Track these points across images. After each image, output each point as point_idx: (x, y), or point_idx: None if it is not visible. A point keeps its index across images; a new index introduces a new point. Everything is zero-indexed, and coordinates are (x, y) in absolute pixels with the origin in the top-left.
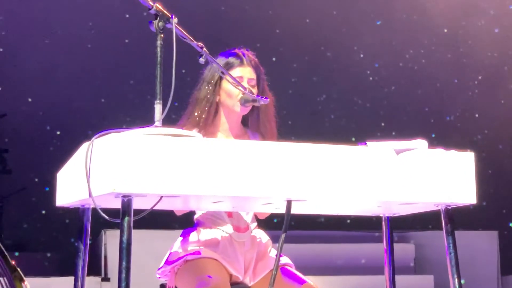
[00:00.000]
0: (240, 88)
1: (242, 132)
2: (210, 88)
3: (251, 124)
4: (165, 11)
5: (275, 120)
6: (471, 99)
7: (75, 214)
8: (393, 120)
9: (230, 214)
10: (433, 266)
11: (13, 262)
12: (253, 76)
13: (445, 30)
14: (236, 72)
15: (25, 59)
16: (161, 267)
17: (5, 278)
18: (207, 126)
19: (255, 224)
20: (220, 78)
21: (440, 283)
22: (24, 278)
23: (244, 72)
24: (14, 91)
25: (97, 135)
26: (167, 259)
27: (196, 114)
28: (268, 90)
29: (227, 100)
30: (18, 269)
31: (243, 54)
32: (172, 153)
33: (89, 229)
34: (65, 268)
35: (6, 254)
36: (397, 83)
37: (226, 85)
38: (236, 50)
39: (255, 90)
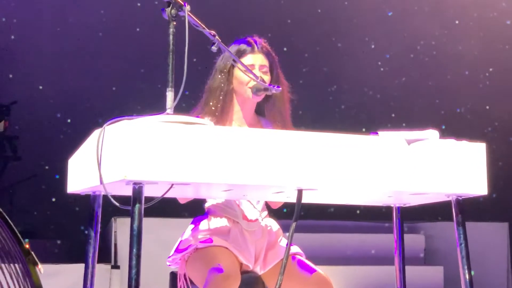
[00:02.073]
0: (251, 75)
1: (256, 120)
2: (223, 76)
3: (267, 112)
4: None
5: (290, 107)
6: (482, 91)
7: (85, 201)
8: (404, 111)
9: (239, 204)
10: (443, 257)
11: (27, 246)
12: (265, 63)
13: (457, 22)
14: (248, 59)
15: (36, 47)
16: (171, 255)
17: (20, 264)
18: (222, 115)
19: (266, 213)
20: (232, 66)
21: (450, 274)
22: (38, 262)
23: (256, 59)
24: (24, 78)
25: (108, 122)
26: (177, 247)
27: (210, 103)
28: (283, 77)
29: (239, 88)
30: (32, 252)
31: (255, 41)
32: (184, 140)
33: (99, 216)
34: (75, 255)
35: (21, 238)
36: (408, 74)
37: (237, 72)
38: (248, 38)
39: (267, 77)
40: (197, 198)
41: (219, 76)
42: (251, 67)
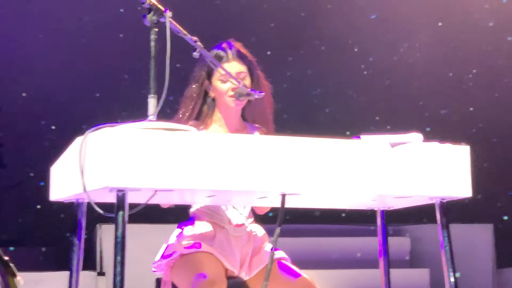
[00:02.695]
0: (233, 81)
1: (242, 127)
2: (198, 86)
3: (248, 115)
4: (159, 5)
5: (272, 107)
6: (466, 93)
7: (70, 209)
8: (388, 114)
9: (225, 209)
10: (429, 260)
11: (6, 258)
12: (242, 69)
13: (440, 24)
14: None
15: (20, 54)
16: (156, 261)
17: None
18: (200, 124)
19: (252, 219)
20: (210, 76)
21: (436, 277)
22: (17, 274)
23: (231, 68)
24: (8, 85)
25: (91, 129)
26: (163, 253)
27: (187, 113)
28: (264, 78)
29: (219, 97)
30: (11, 264)
31: (230, 47)
32: (167, 147)
33: (84, 223)
34: (60, 262)
35: None
36: (391, 77)
37: (215, 83)
38: (223, 45)
39: (247, 82)
40: (181, 204)
41: (194, 86)
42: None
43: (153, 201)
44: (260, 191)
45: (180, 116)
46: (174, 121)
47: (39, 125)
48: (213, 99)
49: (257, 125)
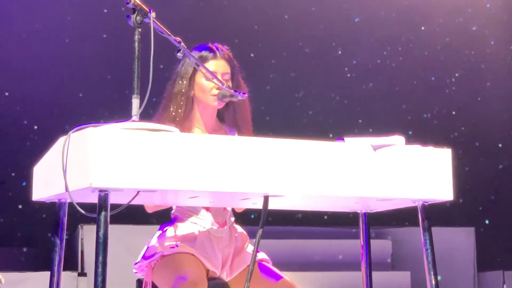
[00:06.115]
0: (216, 82)
1: (218, 126)
2: (185, 82)
3: (227, 119)
4: (143, 6)
5: (251, 114)
6: (448, 97)
7: (52, 209)
8: (371, 117)
9: (208, 209)
10: (410, 263)
11: None
12: (227, 70)
13: (423, 28)
14: (210, 66)
15: (2, 53)
16: (138, 262)
17: None
18: (182, 121)
19: (233, 219)
20: (194, 73)
21: (417, 280)
22: None
23: (218, 66)
24: None
25: (74, 129)
26: (144, 254)
27: (171, 109)
28: (244, 83)
29: (201, 95)
30: None
31: (216, 48)
32: (149, 147)
33: (65, 224)
34: (42, 263)
35: None
36: (374, 80)
37: (199, 79)
38: (209, 44)
39: (229, 84)
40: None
41: (180, 81)
42: (214, 74)
43: (136, 201)
44: (243, 192)
45: (173, 113)
46: (161, 117)
47: (22, 125)
48: (192, 97)
49: (234, 128)
